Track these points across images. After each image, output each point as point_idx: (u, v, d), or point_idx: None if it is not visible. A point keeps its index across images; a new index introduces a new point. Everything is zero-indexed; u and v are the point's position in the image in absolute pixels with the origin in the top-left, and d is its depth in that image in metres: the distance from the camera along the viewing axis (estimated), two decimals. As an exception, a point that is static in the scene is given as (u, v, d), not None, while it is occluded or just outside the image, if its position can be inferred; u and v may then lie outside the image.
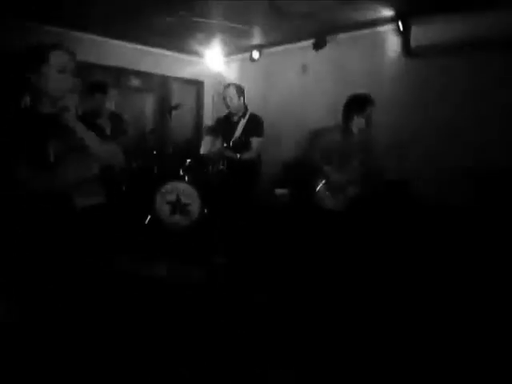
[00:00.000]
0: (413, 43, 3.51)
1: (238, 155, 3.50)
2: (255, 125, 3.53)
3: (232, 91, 3.51)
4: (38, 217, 1.68)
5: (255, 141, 3.49)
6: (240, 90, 3.55)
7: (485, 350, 2.04)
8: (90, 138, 1.60)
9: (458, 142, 3.35)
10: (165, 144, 4.98)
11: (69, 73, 1.62)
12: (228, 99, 3.52)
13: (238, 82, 3.70)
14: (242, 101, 3.58)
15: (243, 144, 3.52)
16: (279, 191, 4.36)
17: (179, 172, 3.98)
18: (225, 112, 3.76)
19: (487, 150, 3.18)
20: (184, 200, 3.80)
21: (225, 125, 3.70)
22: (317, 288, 2.75)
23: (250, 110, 3.67)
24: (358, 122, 2.78)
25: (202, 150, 4.00)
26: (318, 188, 2.93)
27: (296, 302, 2.59)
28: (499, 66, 3.14)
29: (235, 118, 3.61)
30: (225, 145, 3.62)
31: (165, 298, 2.63)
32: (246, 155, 3.51)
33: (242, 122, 3.57)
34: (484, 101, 3.25)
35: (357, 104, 2.78)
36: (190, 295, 2.69)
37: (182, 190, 3.83)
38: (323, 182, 2.91)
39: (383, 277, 2.85)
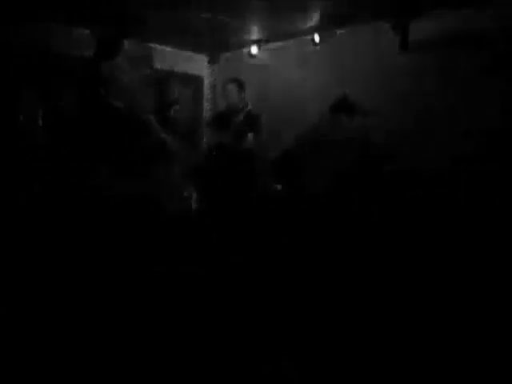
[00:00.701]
0: (411, 39, 3.52)
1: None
2: (253, 121, 3.52)
3: (232, 86, 3.51)
4: (130, 224, 1.48)
5: (251, 136, 3.46)
6: (240, 85, 3.54)
7: (480, 340, 2.07)
8: (168, 137, 1.48)
9: (456, 136, 3.36)
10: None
11: (143, 63, 1.47)
12: (229, 95, 3.52)
13: (237, 77, 3.69)
14: (243, 96, 3.56)
15: (239, 138, 3.50)
16: (278, 186, 4.37)
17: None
18: (223, 107, 3.74)
19: (487, 146, 3.20)
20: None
21: (223, 120, 3.70)
22: (315, 280, 2.78)
23: (249, 103, 3.66)
24: (343, 119, 3.03)
25: (206, 142, 4.00)
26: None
27: (295, 295, 2.61)
28: (498, 60, 3.15)
29: (234, 114, 3.60)
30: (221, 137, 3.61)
31: (162, 294, 2.65)
32: (244, 144, 3.49)
33: (241, 116, 3.56)
34: (482, 95, 3.26)
35: (343, 107, 3.06)
36: (187, 292, 2.71)
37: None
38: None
39: (379, 263, 2.87)
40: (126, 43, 1.45)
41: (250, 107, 3.63)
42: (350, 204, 3.05)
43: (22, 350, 2.05)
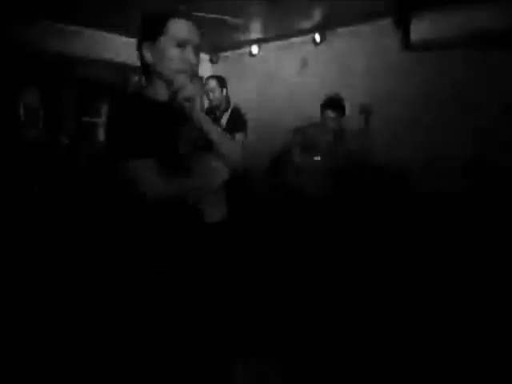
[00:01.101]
0: (412, 37, 3.50)
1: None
2: (237, 120, 3.37)
3: (213, 84, 3.37)
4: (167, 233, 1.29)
5: (238, 136, 3.27)
6: (221, 82, 3.41)
7: (481, 339, 2.06)
8: (217, 135, 1.28)
9: (457, 135, 3.35)
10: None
11: (191, 48, 1.23)
12: (211, 93, 3.38)
13: (217, 74, 3.58)
14: (225, 93, 3.44)
15: None
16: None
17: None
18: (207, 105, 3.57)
19: (488, 145, 3.18)
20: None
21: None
22: (313, 280, 2.77)
23: (250, 105, 3.62)
24: (328, 118, 3.08)
25: None
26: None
27: (295, 296, 2.60)
28: (499, 59, 3.14)
29: (218, 113, 3.44)
30: None
31: (163, 295, 2.63)
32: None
33: (225, 116, 3.42)
34: (483, 94, 3.25)
35: (325, 104, 3.13)
36: (189, 292, 2.69)
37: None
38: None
39: (378, 265, 2.86)
40: (173, 22, 1.22)
41: (233, 105, 3.49)
42: (350, 205, 3.05)
43: (21, 349, 2.04)
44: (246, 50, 5.11)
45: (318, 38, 4.35)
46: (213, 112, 3.48)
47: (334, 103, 3.14)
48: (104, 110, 3.96)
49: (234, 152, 1.33)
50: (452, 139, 3.38)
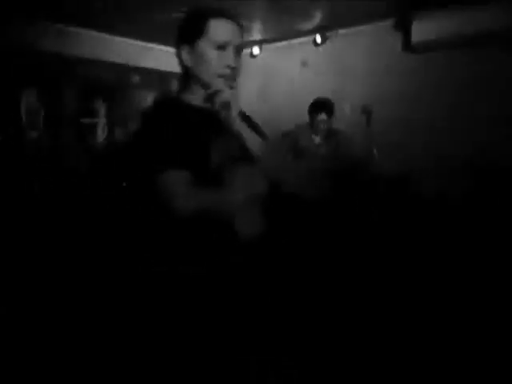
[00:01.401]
0: (413, 38, 3.50)
1: None
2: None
3: None
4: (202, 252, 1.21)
5: None
6: None
7: (483, 344, 2.05)
8: (256, 144, 1.17)
9: (458, 136, 3.35)
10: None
11: (232, 50, 1.15)
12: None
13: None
14: None
15: None
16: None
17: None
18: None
19: (487, 145, 3.18)
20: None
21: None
22: (314, 281, 2.77)
23: (251, 106, 3.62)
24: (320, 121, 3.10)
25: None
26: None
27: (295, 297, 2.60)
28: (501, 60, 3.14)
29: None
30: None
31: (164, 296, 2.64)
32: None
33: None
34: (485, 95, 3.24)
35: (316, 106, 3.14)
36: (189, 293, 2.69)
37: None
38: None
39: (380, 269, 2.86)
40: (213, 22, 1.13)
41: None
42: (349, 205, 3.05)
43: (21, 349, 2.04)
44: (247, 50, 5.12)
45: (318, 38, 4.35)
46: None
47: (325, 105, 3.15)
48: (102, 110, 3.95)
49: (274, 163, 1.24)
50: (453, 139, 3.37)
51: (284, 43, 4.85)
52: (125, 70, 5.01)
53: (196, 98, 1.19)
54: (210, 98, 1.14)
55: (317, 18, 3.92)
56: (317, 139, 3.19)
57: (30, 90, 4.04)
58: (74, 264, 3.04)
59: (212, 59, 1.13)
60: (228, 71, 1.16)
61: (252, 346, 2.11)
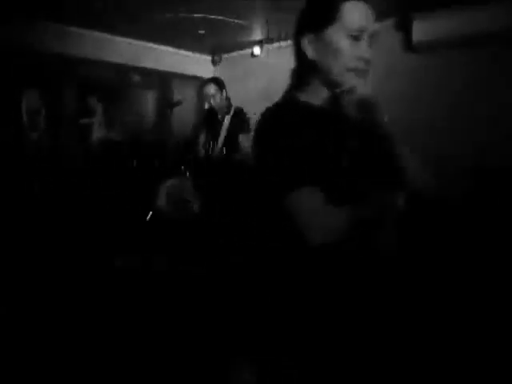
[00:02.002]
0: (414, 38, 3.49)
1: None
2: (241, 121, 3.30)
3: (212, 88, 3.29)
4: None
5: (242, 138, 3.20)
6: (220, 85, 3.33)
7: (484, 347, 2.05)
8: (402, 155, 1.03)
9: (458, 136, 3.34)
10: (166, 140, 4.99)
11: (366, 39, 0.98)
12: (210, 98, 3.29)
13: (215, 76, 3.50)
14: (225, 96, 3.35)
15: (231, 143, 3.31)
16: None
17: (180, 168, 3.99)
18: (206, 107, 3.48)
19: (488, 145, 3.17)
20: (185, 196, 3.81)
21: (210, 121, 3.47)
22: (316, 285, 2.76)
23: (252, 107, 3.60)
24: None
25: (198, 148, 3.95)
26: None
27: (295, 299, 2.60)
28: (501, 60, 3.13)
29: (220, 116, 3.39)
30: (211, 144, 3.42)
31: (164, 296, 2.65)
32: (236, 156, 3.28)
33: (227, 118, 3.35)
34: (485, 96, 3.24)
35: None
36: (190, 294, 2.70)
37: (183, 185, 3.84)
38: None
39: (380, 269, 2.85)
40: (348, 5, 0.94)
41: (235, 107, 3.40)
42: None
43: (21, 348, 2.04)
44: (249, 51, 5.12)
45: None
46: (214, 116, 3.44)
47: None
48: (100, 110, 3.95)
49: (419, 176, 1.03)
50: (453, 139, 3.37)
51: (285, 43, 4.85)
52: (125, 70, 5.02)
53: (317, 97, 1.01)
54: (339, 97, 0.97)
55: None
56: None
57: (30, 90, 4.04)
58: (73, 263, 3.04)
59: (344, 50, 0.94)
60: (361, 64, 0.97)
61: (252, 345, 2.11)
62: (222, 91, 3.32)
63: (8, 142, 3.85)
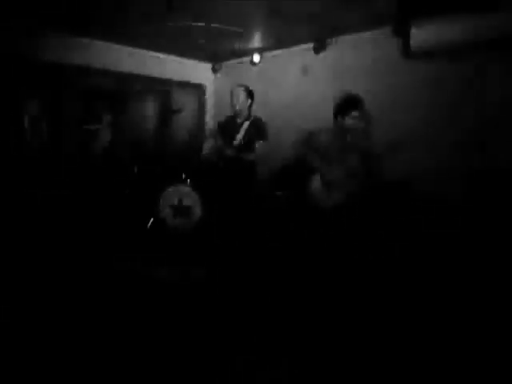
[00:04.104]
0: (412, 45, 3.52)
1: (241, 155, 3.50)
2: (259, 128, 3.54)
3: (240, 91, 3.56)
4: None
5: (259, 144, 3.49)
6: (249, 92, 3.60)
7: (484, 349, 2.04)
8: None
9: (456, 140, 3.35)
10: (167, 147, 5.02)
11: None
12: (235, 98, 3.55)
13: (247, 86, 3.70)
14: (250, 103, 3.62)
15: (246, 146, 3.52)
16: (279, 193, 4.37)
17: (181, 175, 4.02)
18: (229, 113, 3.75)
19: (486, 151, 3.19)
20: (186, 203, 3.83)
21: (229, 125, 3.71)
22: (314, 285, 2.77)
23: (251, 111, 3.69)
24: (349, 121, 2.91)
25: (204, 152, 4.01)
26: (314, 186, 3.00)
27: (295, 301, 2.60)
28: (499, 66, 3.15)
29: (239, 120, 3.62)
30: (227, 145, 3.61)
31: (164, 298, 2.65)
32: (249, 156, 3.51)
33: (246, 124, 3.58)
34: (483, 101, 3.26)
35: (348, 103, 2.93)
36: (189, 295, 2.71)
37: (184, 193, 3.86)
38: (318, 178, 2.98)
39: (382, 274, 2.86)
40: None
41: (255, 115, 3.66)
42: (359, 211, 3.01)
43: (21, 348, 2.04)
44: (248, 58, 5.16)
45: (318, 46, 4.39)
46: (235, 117, 3.66)
47: (355, 101, 2.92)
48: (105, 117, 4.00)
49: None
50: (450, 144, 3.38)
51: (284, 51, 4.89)
52: (127, 78, 5.06)
53: None
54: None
55: (316, 26, 3.96)
56: (340, 139, 3.00)
57: (33, 98, 4.09)
58: (72, 266, 3.05)
59: None
60: None
61: (252, 345, 2.11)
62: (248, 97, 3.60)
63: (11, 148, 3.88)
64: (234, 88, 3.61)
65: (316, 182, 3.05)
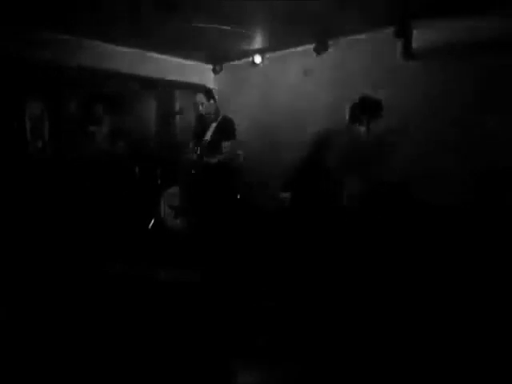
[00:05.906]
0: (414, 46, 3.52)
1: (209, 159, 3.55)
2: (225, 128, 3.60)
3: (201, 97, 3.64)
4: None
5: (225, 144, 3.53)
6: (208, 94, 3.68)
7: (484, 349, 2.04)
8: None
9: (459, 142, 3.35)
10: (168, 148, 5.01)
11: None
12: (198, 105, 3.65)
13: (209, 87, 3.81)
14: (212, 103, 3.68)
15: (213, 147, 3.56)
16: (284, 195, 4.34)
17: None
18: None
19: (487, 152, 3.19)
20: (181, 204, 3.85)
21: (199, 128, 3.81)
22: (316, 287, 2.76)
23: (253, 114, 3.71)
24: (367, 124, 2.86)
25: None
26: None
27: (297, 303, 2.59)
28: (499, 67, 3.15)
29: (208, 122, 3.71)
30: (196, 148, 3.71)
31: (162, 299, 2.65)
32: (211, 160, 3.54)
33: (213, 125, 3.66)
34: (486, 102, 3.25)
35: (370, 108, 2.85)
36: (187, 295, 2.71)
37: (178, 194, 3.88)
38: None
39: (384, 277, 2.85)
40: None
41: (223, 115, 3.72)
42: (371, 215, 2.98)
43: (21, 348, 2.04)
44: (249, 59, 5.16)
45: (319, 47, 4.39)
46: (203, 121, 3.75)
47: (372, 105, 2.87)
48: (106, 119, 4.00)
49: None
50: (454, 145, 3.38)
51: (285, 52, 4.89)
52: (128, 79, 5.06)
53: None
54: None
55: (318, 27, 3.96)
56: (356, 142, 2.94)
57: (34, 99, 4.08)
58: (72, 268, 3.05)
59: None
60: None
61: (251, 345, 2.11)
62: (209, 100, 3.67)
63: (13, 151, 3.88)
64: (196, 95, 3.70)
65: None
